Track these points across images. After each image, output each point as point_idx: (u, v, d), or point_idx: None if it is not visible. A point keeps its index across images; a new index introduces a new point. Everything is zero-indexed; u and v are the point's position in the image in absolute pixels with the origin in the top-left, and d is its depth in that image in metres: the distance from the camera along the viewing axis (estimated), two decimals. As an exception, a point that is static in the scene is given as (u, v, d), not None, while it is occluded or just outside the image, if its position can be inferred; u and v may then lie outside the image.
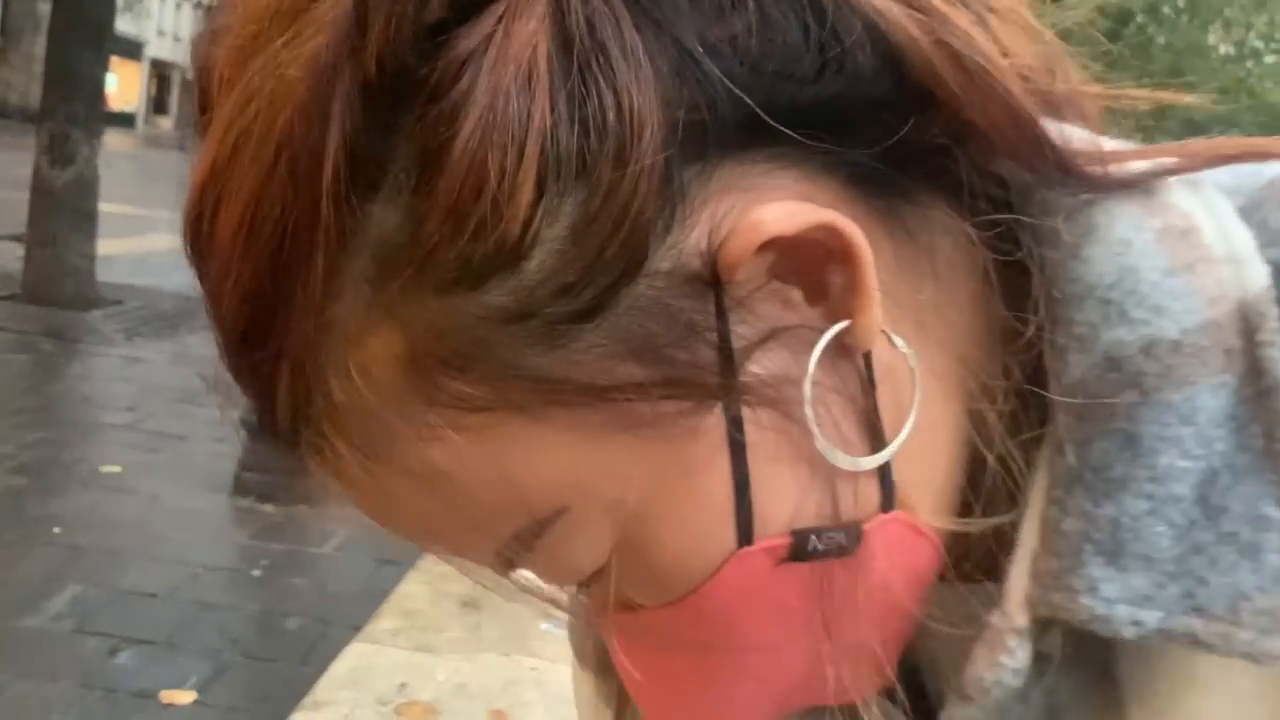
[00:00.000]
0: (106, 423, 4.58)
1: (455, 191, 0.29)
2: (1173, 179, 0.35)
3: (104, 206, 7.07)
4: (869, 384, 0.33)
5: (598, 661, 0.50)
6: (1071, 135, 0.35)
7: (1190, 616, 0.32)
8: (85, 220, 6.67)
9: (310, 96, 0.30)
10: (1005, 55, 0.33)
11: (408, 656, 2.39)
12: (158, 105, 52.57)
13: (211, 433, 4.43)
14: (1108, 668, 0.36)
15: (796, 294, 0.32)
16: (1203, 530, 0.32)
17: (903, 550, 0.35)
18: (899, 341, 0.33)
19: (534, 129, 0.28)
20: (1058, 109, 0.35)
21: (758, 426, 0.32)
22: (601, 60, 0.29)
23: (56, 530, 3.31)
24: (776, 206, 0.31)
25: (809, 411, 0.32)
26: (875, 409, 0.33)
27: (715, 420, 0.32)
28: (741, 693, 0.37)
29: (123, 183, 17.58)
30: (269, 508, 3.72)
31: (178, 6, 51.17)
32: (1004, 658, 0.34)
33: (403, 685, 2.25)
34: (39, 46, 36.62)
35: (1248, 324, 0.32)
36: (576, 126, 0.29)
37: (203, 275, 0.35)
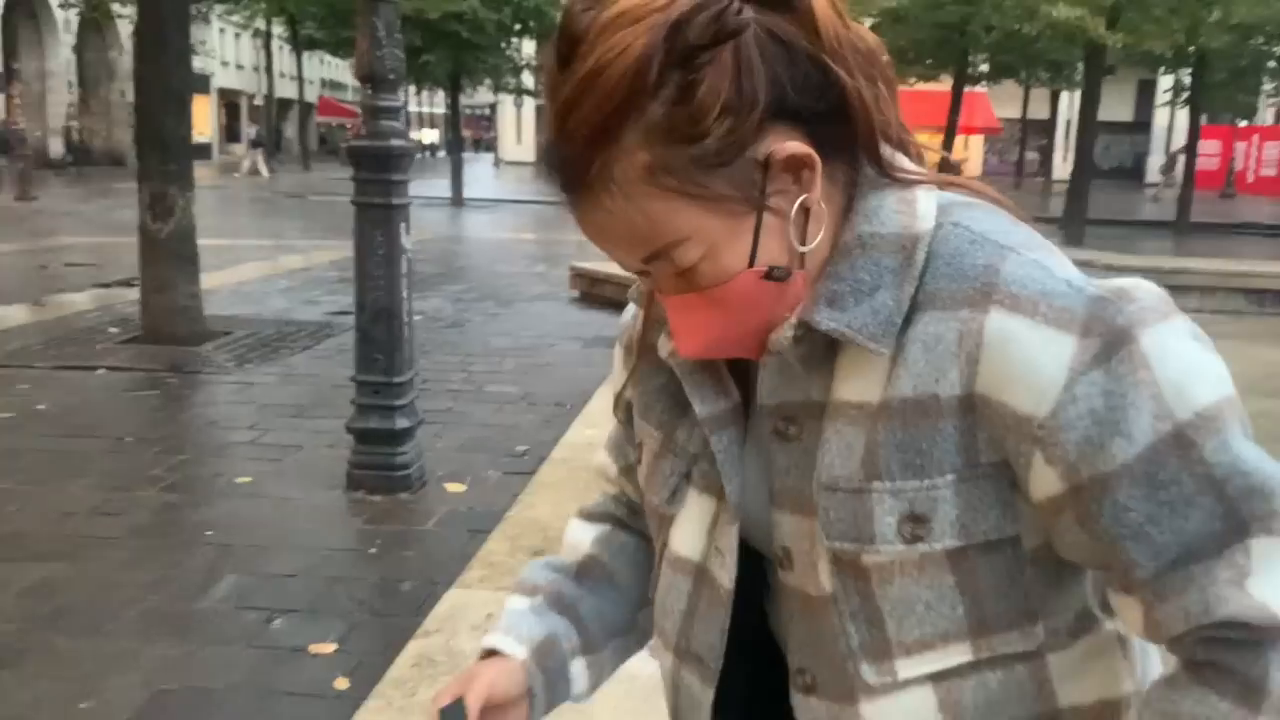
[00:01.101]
0: (233, 441, 5.29)
1: (691, 108, 0.71)
2: (923, 185, 0.80)
3: (199, 242, 7.82)
4: (807, 218, 0.78)
5: (625, 414, 1.02)
6: (894, 155, 0.80)
7: (850, 331, 0.76)
8: (188, 264, 7.43)
9: (646, 52, 0.70)
10: (881, 113, 0.78)
11: (492, 595, 3.03)
12: (228, 133, 54.20)
13: (322, 441, 5.13)
14: (833, 346, 0.80)
15: (790, 178, 0.76)
16: (862, 297, 0.76)
17: (801, 283, 0.79)
18: (821, 204, 0.78)
19: (724, 96, 0.71)
20: (895, 142, 0.81)
21: (767, 224, 0.76)
22: (752, 80, 0.72)
23: (209, 533, 4.01)
24: (794, 144, 0.74)
25: (791, 224, 0.77)
26: (806, 228, 0.78)
27: (753, 217, 0.76)
28: (729, 330, 0.81)
29: (208, 215, 18.56)
30: (378, 498, 4.38)
31: (237, 37, 52.59)
32: (785, 331, 0.79)
33: (489, 616, 2.90)
34: (114, 93, 37.90)
35: (914, 236, 0.77)
36: (739, 98, 0.72)
37: (559, 119, 0.74)
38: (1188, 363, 0.72)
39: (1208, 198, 32.03)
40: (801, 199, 0.76)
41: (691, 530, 0.92)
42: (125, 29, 37.96)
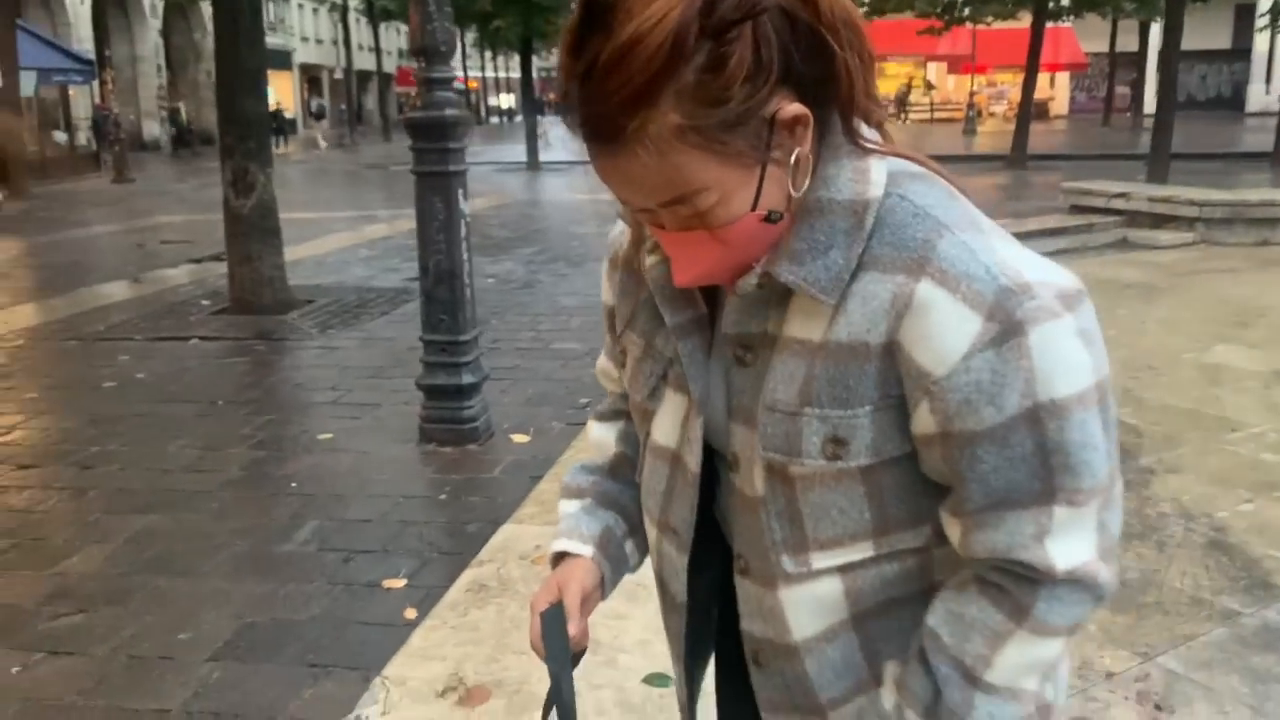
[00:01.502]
0: (316, 401, 5.63)
1: (717, 75, 0.82)
2: (879, 155, 0.92)
3: (284, 216, 8.19)
4: (801, 168, 0.89)
5: (611, 323, 1.17)
6: (859, 124, 0.92)
7: (804, 283, 0.90)
8: (271, 237, 7.82)
9: (684, 23, 0.80)
10: (859, 82, 0.89)
11: (541, 529, 3.28)
12: (309, 107, 55.33)
13: (398, 399, 5.43)
14: (789, 291, 0.94)
15: (788, 134, 0.87)
16: (818, 255, 0.90)
17: (788, 224, 0.92)
18: (809, 156, 0.90)
19: (746, 70, 0.82)
20: (862, 111, 0.92)
21: (769, 173, 0.88)
22: (769, 50, 0.83)
23: (293, 485, 4.34)
24: (794, 105, 0.86)
25: (790, 172, 0.89)
26: (800, 175, 0.90)
27: (758, 168, 0.87)
28: (723, 263, 0.94)
29: (294, 189, 19.20)
30: (448, 449, 4.67)
31: (315, 12, 53.50)
32: (750, 278, 0.93)
33: (537, 547, 3.14)
34: (201, 74, 38.92)
35: (865, 203, 0.90)
36: (758, 67, 0.83)
37: (594, 79, 0.84)
38: (1059, 360, 0.87)
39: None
40: (796, 152, 0.89)
41: (668, 423, 1.09)
42: (209, 11, 39.03)
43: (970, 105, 35.32)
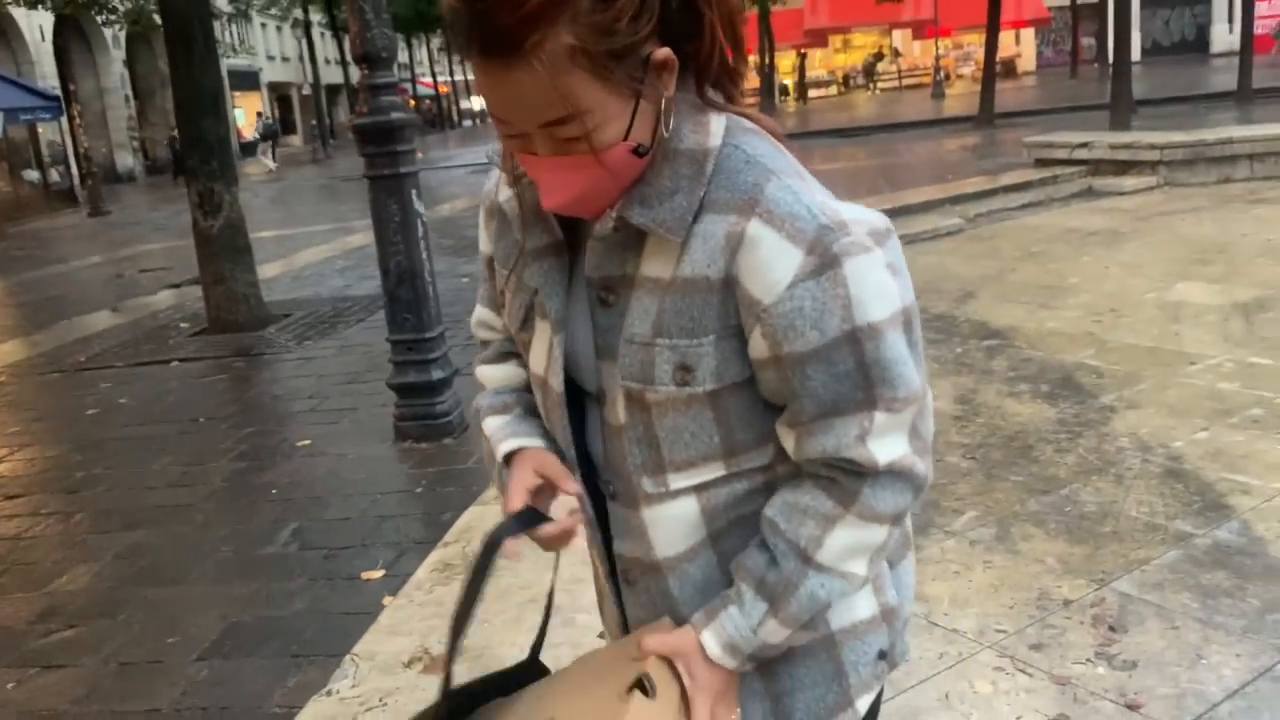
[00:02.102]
0: (294, 410, 5.71)
1: (609, 6, 0.90)
2: (717, 110, 1.04)
3: (259, 235, 8.27)
4: (667, 111, 0.99)
5: (489, 269, 1.25)
6: (716, 89, 1.04)
7: (654, 225, 1.01)
8: (243, 254, 7.87)
9: None
10: (723, 54, 1.02)
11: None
12: (284, 125, 55.17)
13: (374, 401, 5.52)
14: (643, 234, 1.03)
15: (657, 77, 0.96)
16: (665, 199, 1.01)
17: (647, 162, 1.01)
18: (672, 101, 0.99)
19: (633, 8, 0.92)
20: (734, 76, 1.05)
21: (641, 109, 0.96)
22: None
23: (274, 491, 4.44)
24: (665, 50, 0.95)
25: (663, 110, 0.98)
26: (667, 117, 0.99)
27: (633, 102, 0.96)
28: (591, 189, 1.01)
29: (269, 208, 19.24)
30: (423, 445, 4.77)
31: (279, 30, 53.37)
32: (606, 222, 1.03)
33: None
34: (169, 101, 38.77)
35: (705, 152, 1.01)
36: (642, 8, 0.92)
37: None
38: (871, 288, 0.98)
39: (1276, 61, 30.88)
40: (665, 95, 0.98)
41: (539, 350, 1.17)
42: (170, 37, 38.94)
43: (937, 69, 35.41)
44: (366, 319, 7.93)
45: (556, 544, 1.18)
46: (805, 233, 0.97)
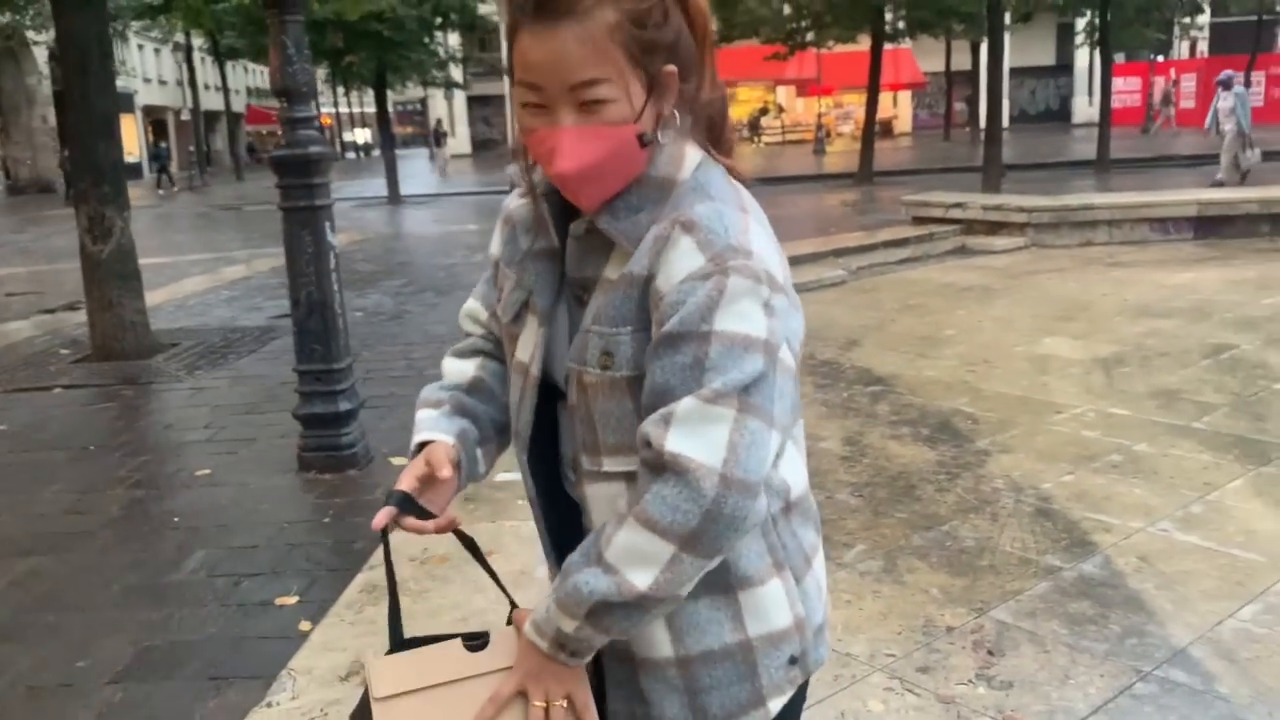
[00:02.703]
0: (190, 440, 5.64)
1: (646, 6, 1.13)
2: (695, 145, 1.23)
3: (139, 261, 8.11)
4: (665, 123, 1.19)
5: (494, 270, 1.40)
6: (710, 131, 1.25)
7: (616, 234, 1.18)
8: (132, 281, 7.72)
9: None
10: (707, 91, 1.22)
11: (428, 536, 3.48)
12: (155, 152, 53.47)
13: (273, 432, 5.52)
14: (610, 241, 1.20)
15: (665, 90, 1.17)
16: (631, 214, 1.18)
17: (643, 161, 1.19)
18: (677, 117, 1.20)
19: (661, 16, 1.14)
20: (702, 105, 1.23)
21: (650, 103, 1.17)
22: (675, 18, 1.17)
23: (176, 519, 4.40)
24: (672, 67, 1.16)
25: (662, 117, 1.19)
26: (666, 129, 1.19)
27: (646, 92, 1.16)
28: (598, 166, 1.16)
29: (146, 235, 18.67)
30: (328, 476, 4.79)
31: (157, 53, 51.96)
32: (580, 225, 1.23)
33: (424, 549, 3.34)
34: (35, 120, 37.33)
35: (673, 182, 1.19)
36: (666, 23, 1.15)
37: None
38: (739, 305, 1.11)
39: (1130, 134, 32.98)
40: (666, 106, 1.18)
41: (526, 340, 1.32)
42: (41, 55, 37.61)
43: (819, 126, 36.64)
44: (258, 350, 7.85)
45: (417, 531, 1.32)
46: (714, 245, 1.13)
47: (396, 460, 4.99)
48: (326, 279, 4.72)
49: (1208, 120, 17.71)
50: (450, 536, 1.35)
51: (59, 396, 6.77)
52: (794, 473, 1.30)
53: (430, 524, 1.31)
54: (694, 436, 1.10)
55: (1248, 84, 25.03)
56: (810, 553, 1.33)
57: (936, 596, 3.43)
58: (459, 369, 1.47)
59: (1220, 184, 15.85)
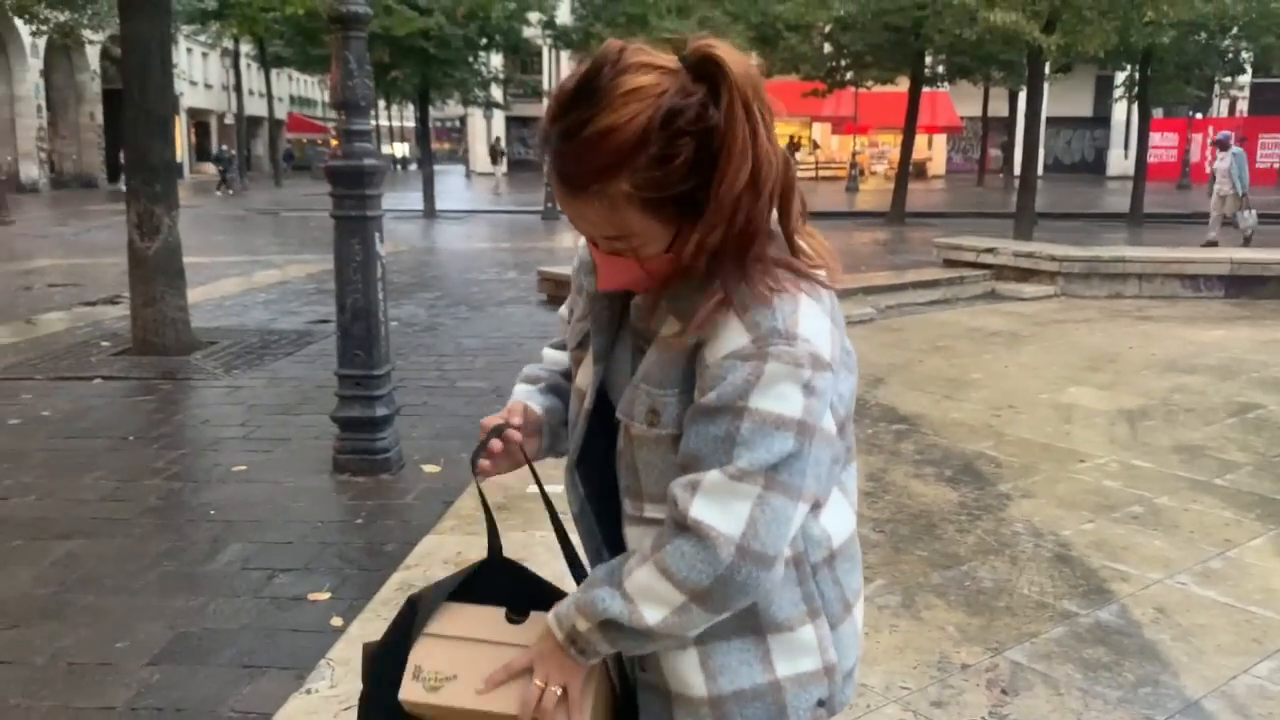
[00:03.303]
0: (226, 436, 5.77)
1: (666, 166, 1.13)
2: None
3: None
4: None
5: (569, 311, 1.50)
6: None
7: (675, 311, 1.24)
8: (176, 279, 7.91)
9: (649, 126, 1.12)
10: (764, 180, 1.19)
11: (462, 539, 3.58)
12: (200, 152, 54.30)
13: (308, 434, 5.63)
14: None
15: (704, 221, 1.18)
16: (691, 295, 1.22)
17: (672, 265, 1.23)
18: None
19: (687, 164, 1.14)
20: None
21: (682, 229, 1.19)
22: (695, 160, 1.14)
23: (212, 513, 4.52)
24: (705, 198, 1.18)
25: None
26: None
27: (675, 227, 1.19)
28: (635, 280, 1.25)
29: (185, 234, 18.91)
30: (361, 479, 4.90)
31: (205, 57, 52.78)
32: (646, 296, 1.29)
33: (459, 553, 3.44)
34: (84, 116, 37.95)
35: None
36: (689, 172, 1.15)
37: (572, 144, 1.15)
38: (777, 388, 1.16)
39: (1164, 189, 32.93)
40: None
41: (585, 370, 1.39)
42: (93, 53, 38.32)
43: (853, 164, 36.77)
44: (295, 353, 8.00)
45: (499, 459, 1.44)
46: (759, 327, 1.17)
47: (428, 467, 5.09)
48: (373, 287, 4.84)
49: (1208, 185, 17.87)
50: (480, 550, 1.49)
51: (99, 387, 6.92)
52: (838, 521, 1.36)
53: (496, 447, 1.43)
54: (717, 507, 1.18)
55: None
56: (852, 599, 1.38)
57: (953, 634, 3.49)
58: (556, 358, 1.60)
59: (1213, 244, 15.84)
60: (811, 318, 1.20)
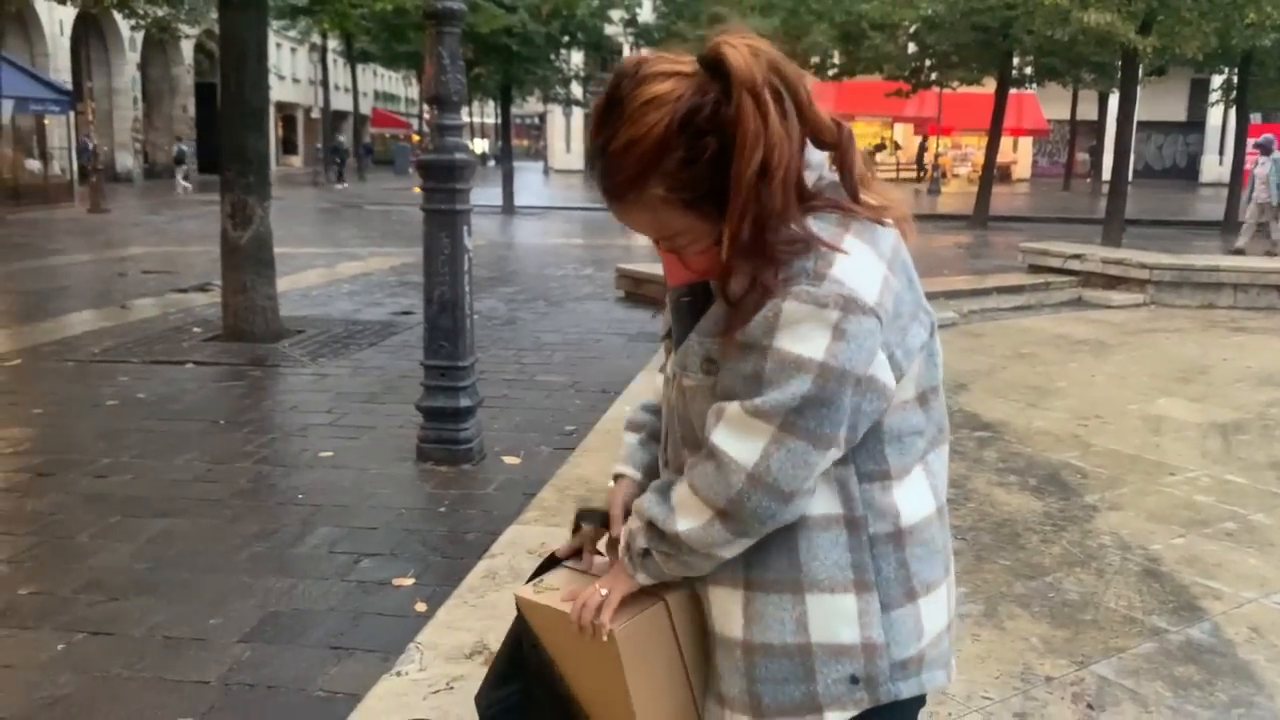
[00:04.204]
0: (314, 423, 5.90)
1: (692, 165, 1.21)
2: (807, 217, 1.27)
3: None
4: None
5: (667, 343, 1.47)
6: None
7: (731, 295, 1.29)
8: (266, 268, 8.12)
9: (669, 132, 1.19)
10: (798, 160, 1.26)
11: (544, 530, 3.62)
12: (286, 145, 55.49)
13: (393, 422, 5.74)
14: None
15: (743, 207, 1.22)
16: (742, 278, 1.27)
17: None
18: None
19: (712, 158, 1.20)
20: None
21: (729, 220, 1.21)
22: (718, 157, 1.21)
23: (300, 496, 4.63)
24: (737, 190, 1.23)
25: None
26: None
27: (719, 222, 1.23)
28: (698, 272, 1.32)
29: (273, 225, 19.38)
30: (444, 468, 4.98)
31: (293, 51, 53.91)
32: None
33: (542, 544, 3.47)
34: (176, 108, 38.98)
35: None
36: (713, 168, 1.21)
37: (606, 160, 1.24)
38: (798, 329, 1.20)
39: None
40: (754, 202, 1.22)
41: (670, 357, 1.43)
42: (188, 47, 39.41)
43: (935, 166, 36.27)
44: (379, 343, 8.14)
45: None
46: (790, 267, 1.21)
47: (508, 459, 5.16)
48: (460, 280, 4.91)
49: (1247, 192, 16.87)
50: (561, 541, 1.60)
51: (191, 371, 7.13)
52: (914, 500, 1.34)
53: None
54: (734, 437, 1.24)
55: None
56: (920, 589, 1.35)
57: (1036, 645, 3.43)
58: (658, 385, 1.61)
59: (1240, 252, 15.16)
60: (854, 262, 1.22)
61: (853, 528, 1.29)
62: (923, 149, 37.98)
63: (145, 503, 4.51)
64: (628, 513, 1.43)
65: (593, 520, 1.50)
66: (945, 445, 1.41)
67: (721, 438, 1.24)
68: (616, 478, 1.53)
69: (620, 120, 1.20)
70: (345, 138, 45.41)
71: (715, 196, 1.21)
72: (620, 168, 1.21)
